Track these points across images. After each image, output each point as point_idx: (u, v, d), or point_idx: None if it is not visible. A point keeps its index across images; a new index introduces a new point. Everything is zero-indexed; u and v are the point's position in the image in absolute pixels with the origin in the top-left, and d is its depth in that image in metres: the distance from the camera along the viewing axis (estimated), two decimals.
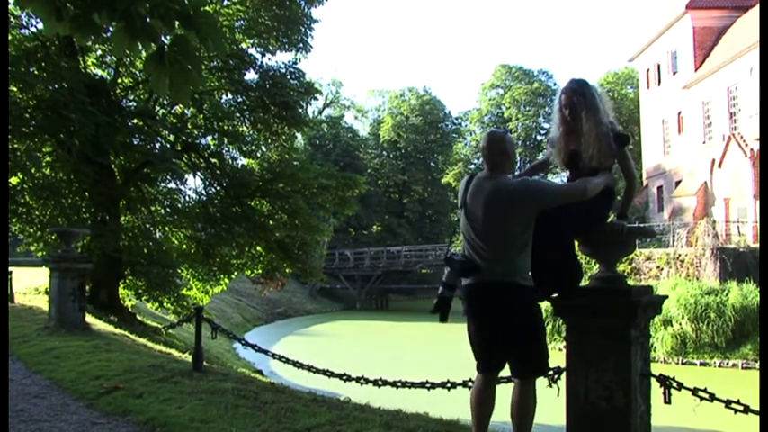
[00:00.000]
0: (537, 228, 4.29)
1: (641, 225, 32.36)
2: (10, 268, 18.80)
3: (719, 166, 34.50)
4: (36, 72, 15.34)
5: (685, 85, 38.39)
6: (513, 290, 4.24)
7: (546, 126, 66.11)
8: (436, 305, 4.36)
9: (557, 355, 4.59)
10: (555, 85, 66.56)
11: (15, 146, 15.92)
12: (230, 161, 19.06)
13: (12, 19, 15.69)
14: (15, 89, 15.41)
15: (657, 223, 36.23)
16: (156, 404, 6.37)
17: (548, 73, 67.50)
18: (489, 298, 4.30)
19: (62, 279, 11.66)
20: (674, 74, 40.76)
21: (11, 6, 15.24)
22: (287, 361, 7.78)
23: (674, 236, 30.07)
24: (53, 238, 15.66)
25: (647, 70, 45.23)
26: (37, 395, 7.04)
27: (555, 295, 4.45)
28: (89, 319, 12.74)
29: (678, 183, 39.48)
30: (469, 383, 4.91)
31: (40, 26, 14.91)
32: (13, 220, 16.79)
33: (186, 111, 18.22)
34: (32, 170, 16.44)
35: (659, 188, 43.13)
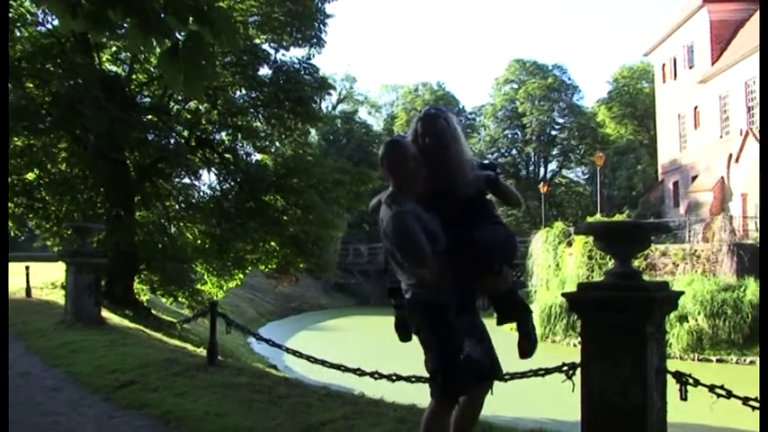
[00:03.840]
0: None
1: (657, 221, 32.27)
2: (27, 263, 18.97)
3: (737, 160, 34.21)
4: (52, 69, 15.45)
5: (702, 79, 38.10)
6: None
7: (561, 121, 65.87)
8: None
9: (571, 351, 4.58)
10: (569, 79, 66.37)
11: (32, 142, 16.05)
12: (244, 156, 19.10)
13: (28, 16, 15.81)
14: (32, 85, 15.54)
15: (673, 219, 35.99)
16: (172, 398, 6.40)
17: (562, 67, 67.07)
18: None
19: (78, 274, 11.74)
20: (691, 68, 40.45)
21: (27, 4, 15.38)
22: (301, 356, 7.78)
23: (690, 231, 29.84)
24: (69, 233, 15.76)
25: (663, 64, 44.90)
26: (54, 388, 7.10)
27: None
28: (105, 313, 12.81)
29: (694, 178, 39.20)
30: None
31: (56, 23, 14.99)
32: (30, 216, 16.93)
33: (200, 106, 18.25)
34: (48, 166, 16.58)
35: (675, 183, 42.85)
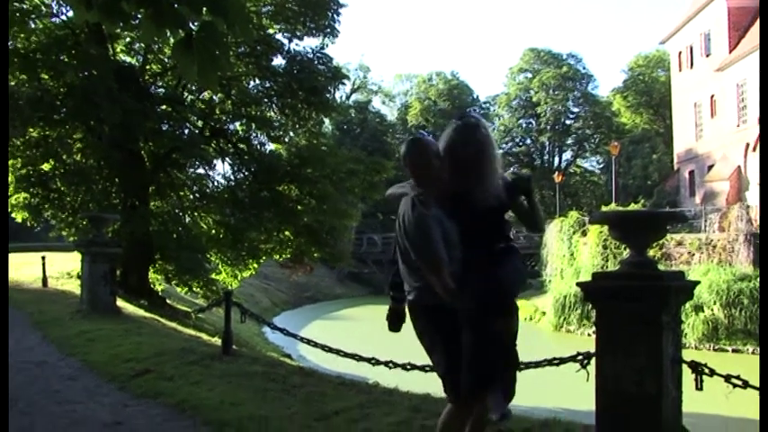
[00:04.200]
0: None
1: (672, 210, 32.07)
2: (43, 253, 19.12)
3: (754, 149, 33.88)
4: (66, 60, 15.50)
5: (719, 68, 37.72)
6: None
7: (576, 110, 65.51)
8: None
9: (586, 341, 4.56)
10: (584, 68, 65.94)
11: (47, 133, 16.15)
12: (258, 146, 19.11)
13: (42, 8, 15.86)
14: (46, 77, 15.61)
15: (689, 208, 35.73)
16: (187, 387, 6.44)
17: (577, 56, 66.62)
18: None
19: (93, 263, 11.82)
20: (708, 56, 40.05)
21: None
22: (315, 345, 7.81)
23: (705, 221, 29.64)
24: (84, 223, 15.86)
25: (679, 53, 44.49)
26: (71, 377, 7.16)
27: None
28: (120, 303, 12.90)
29: (711, 167, 38.88)
30: None
31: (70, 14, 15.04)
32: (46, 206, 17.04)
33: (214, 96, 18.29)
34: (64, 156, 16.67)
35: (691, 173, 42.53)
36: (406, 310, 3.91)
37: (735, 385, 4.36)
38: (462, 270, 3.65)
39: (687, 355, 4.47)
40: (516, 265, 3.94)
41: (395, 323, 3.98)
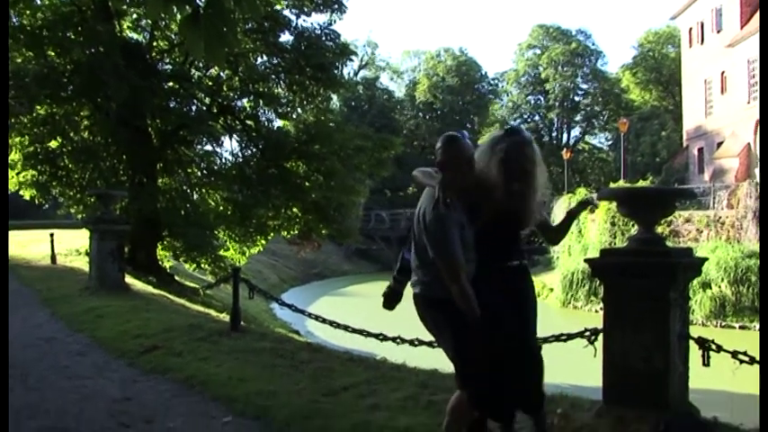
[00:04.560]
0: None
1: (681, 186, 31.92)
2: (51, 230, 19.20)
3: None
4: (73, 37, 15.47)
5: (730, 43, 37.34)
6: None
7: (584, 86, 65.10)
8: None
9: (593, 317, 4.57)
10: (593, 44, 65.22)
11: (54, 110, 16.15)
12: (266, 123, 19.07)
13: None
14: (53, 54, 15.58)
15: (697, 185, 35.58)
16: (195, 363, 6.48)
17: (586, 32, 65.94)
18: None
19: (101, 240, 11.88)
20: (719, 32, 39.63)
21: None
22: (323, 321, 7.84)
23: (714, 198, 29.52)
24: (92, 200, 15.91)
25: (690, 29, 44.04)
26: (79, 353, 7.21)
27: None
28: (128, 279, 12.97)
29: (720, 144, 38.63)
30: None
31: None
32: (54, 183, 17.08)
33: (222, 73, 18.22)
34: (71, 134, 16.67)
35: (700, 149, 42.27)
36: (404, 293, 3.96)
37: (741, 361, 4.37)
38: (480, 280, 3.69)
39: (694, 331, 4.47)
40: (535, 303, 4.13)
41: (390, 302, 4.04)
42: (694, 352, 4.38)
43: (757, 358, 4.30)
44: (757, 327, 22.24)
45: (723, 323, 22.92)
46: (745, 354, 4.36)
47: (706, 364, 4.38)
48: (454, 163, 3.69)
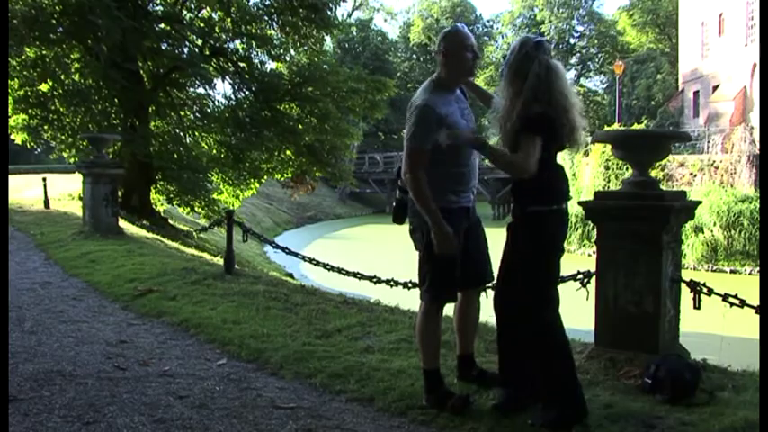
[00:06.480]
0: None
1: (675, 129, 31.81)
2: (44, 175, 19.12)
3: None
4: None
5: None
6: None
7: (580, 29, 64.38)
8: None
9: (586, 261, 4.58)
10: None
11: (44, 53, 15.90)
12: (259, 65, 18.80)
13: None
14: None
15: (692, 129, 35.48)
16: (190, 306, 6.51)
17: None
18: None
19: (95, 185, 11.83)
20: None
21: None
22: (317, 264, 7.87)
23: (709, 142, 29.48)
24: (84, 144, 15.79)
25: None
26: (75, 297, 7.24)
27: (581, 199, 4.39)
28: (122, 223, 12.96)
29: (716, 87, 38.40)
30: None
31: None
32: (45, 127, 16.95)
33: (213, 14, 17.92)
34: (62, 77, 16.44)
35: (695, 93, 42.04)
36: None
37: (732, 304, 4.41)
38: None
39: (685, 275, 4.50)
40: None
41: (398, 214, 4.10)
42: (685, 295, 4.41)
43: (748, 301, 4.33)
44: (748, 270, 22.47)
45: (714, 267, 23.14)
46: (735, 296, 4.39)
47: (697, 307, 4.42)
48: (454, 50, 3.74)
